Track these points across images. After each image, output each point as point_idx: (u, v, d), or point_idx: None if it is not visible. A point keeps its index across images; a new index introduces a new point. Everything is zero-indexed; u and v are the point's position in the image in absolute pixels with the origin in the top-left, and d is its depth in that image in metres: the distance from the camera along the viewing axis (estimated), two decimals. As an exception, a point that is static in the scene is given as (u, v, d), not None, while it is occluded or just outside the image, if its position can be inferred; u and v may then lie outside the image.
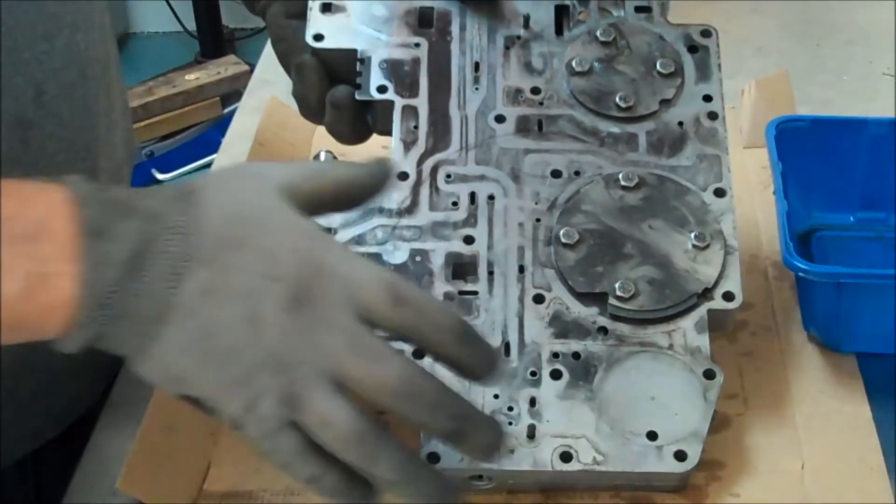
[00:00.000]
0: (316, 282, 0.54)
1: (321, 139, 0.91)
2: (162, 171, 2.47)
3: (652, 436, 0.65)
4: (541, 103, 0.73)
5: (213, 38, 2.86)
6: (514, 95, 0.73)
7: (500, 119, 0.73)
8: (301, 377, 0.54)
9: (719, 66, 0.74)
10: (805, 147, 0.83)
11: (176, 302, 0.53)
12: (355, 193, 0.59)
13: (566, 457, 0.65)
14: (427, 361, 0.58)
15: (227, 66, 2.46)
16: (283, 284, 0.54)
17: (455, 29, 0.75)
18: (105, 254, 0.52)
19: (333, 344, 0.54)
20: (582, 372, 0.67)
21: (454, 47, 0.74)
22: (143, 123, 2.27)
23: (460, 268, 0.69)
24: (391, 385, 0.53)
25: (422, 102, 0.73)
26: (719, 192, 0.71)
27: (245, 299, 0.54)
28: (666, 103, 0.73)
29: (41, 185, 0.53)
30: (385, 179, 0.60)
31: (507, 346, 0.67)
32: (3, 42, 0.64)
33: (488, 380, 0.58)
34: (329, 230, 0.70)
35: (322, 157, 0.76)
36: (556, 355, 0.67)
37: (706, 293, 0.68)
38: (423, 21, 0.75)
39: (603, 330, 0.68)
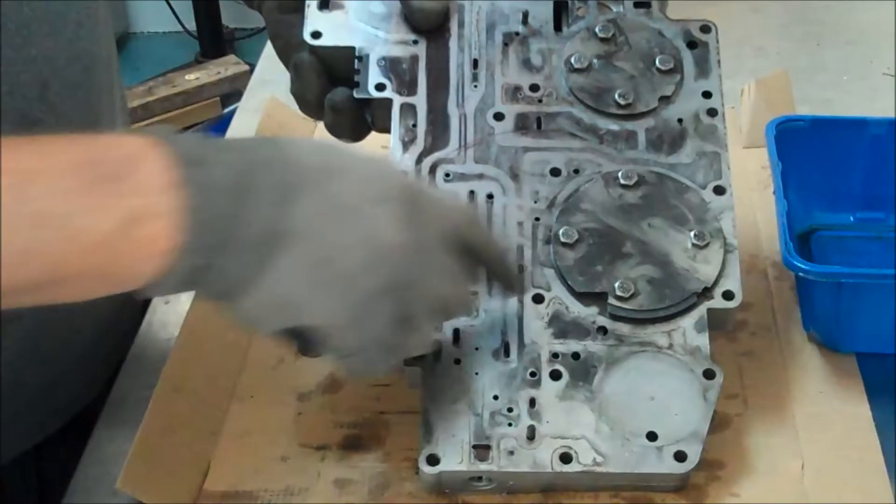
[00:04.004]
0: (417, 205, 0.57)
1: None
2: (162, 171, 2.46)
3: (652, 436, 0.65)
4: (539, 101, 0.73)
5: (213, 38, 2.86)
6: (513, 93, 0.73)
7: (498, 117, 0.72)
8: (414, 300, 0.57)
9: (719, 61, 0.74)
10: (805, 147, 0.83)
11: (288, 226, 0.52)
12: None
13: (566, 458, 0.64)
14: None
15: (227, 66, 2.47)
16: (394, 206, 0.55)
17: (453, 26, 0.74)
18: (208, 179, 0.51)
19: (438, 267, 0.58)
20: (581, 372, 0.67)
21: (452, 44, 0.74)
22: (143, 123, 2.27)
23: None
24: (468, 308, 0.64)
25: (420, 100, 0.72)
26: (719, 190, 0.71)
27: (362, 221, 0.54)
28: (665, 100, 0.73)
29: (121, 133, 0.53)
30: None
31: (506, 346, 0.67)
32: (11, 40, 0.64)
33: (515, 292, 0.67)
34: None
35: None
36: (555, 355, 0.67)
37: (706, 292, 0.68)
38: (421, 18, 0.75)
39: (602, 330, 0.68)
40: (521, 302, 0.68)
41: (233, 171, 0.52)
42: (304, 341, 0.57)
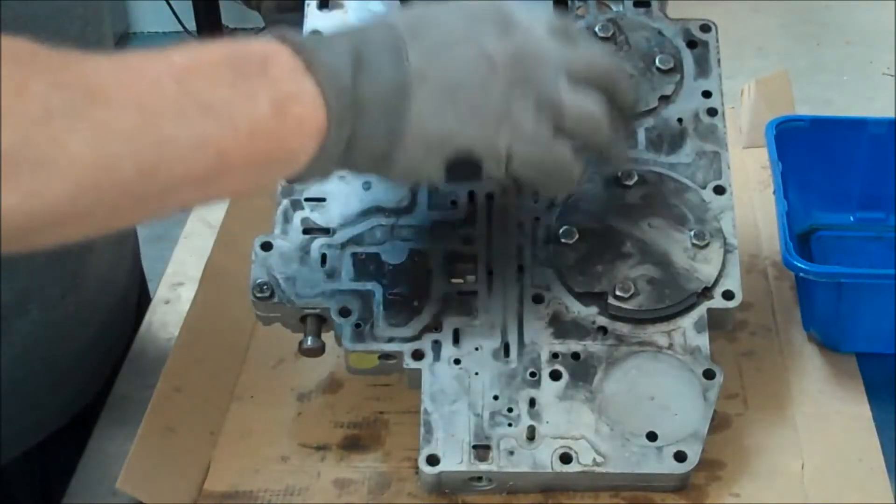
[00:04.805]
0: (509, 15, 0.61)
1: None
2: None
3: (652, 436, 0.65)
4: (540, 102, 0.73)
5: (213, 38, 2.85)
6: (513, 94, 0.73)
7: (498, 117, 0.72)
8: (545, 83, 0.61)
9: (719, 61, 0.74)
10: (805, 147, 0.83)
11: (410, 73, 0.58)
12: None
13: (566, 458, 0.64)
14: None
15: (226, 67, 2.46)
16: (489, 19, 0.61)
17: (454, 27, 0.74)
18: (330, 58, 0.57)
19: (554, 44, 0.61)
20: (581, 372, 0.67)
21: (453, 45, 0.74)
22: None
23: (459, 268, 0.69)
24: (610, 70, 0.64)
25: (420, 101, 0.72)
26: (719, 190, 0.71)
27: (467, 44, 0.60)
28: (665, 99, 0.73)
29: (250, 37, 0.57)
30: None
31: (506, 346, 0.67)
32: (21, 36, 0.65)
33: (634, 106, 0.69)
34: (328, 231, 0.70)
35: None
36: (555, 356, 0.67)
37: (706, 292, 0.68)
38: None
39: (602, 330, 0.68)
40: (520, 302, 0.68)
41: (347, 47, 0.58)
42: (470, 172, 0.61)
